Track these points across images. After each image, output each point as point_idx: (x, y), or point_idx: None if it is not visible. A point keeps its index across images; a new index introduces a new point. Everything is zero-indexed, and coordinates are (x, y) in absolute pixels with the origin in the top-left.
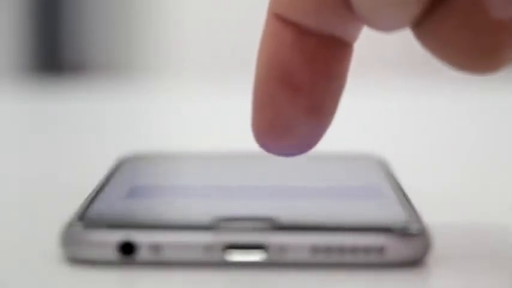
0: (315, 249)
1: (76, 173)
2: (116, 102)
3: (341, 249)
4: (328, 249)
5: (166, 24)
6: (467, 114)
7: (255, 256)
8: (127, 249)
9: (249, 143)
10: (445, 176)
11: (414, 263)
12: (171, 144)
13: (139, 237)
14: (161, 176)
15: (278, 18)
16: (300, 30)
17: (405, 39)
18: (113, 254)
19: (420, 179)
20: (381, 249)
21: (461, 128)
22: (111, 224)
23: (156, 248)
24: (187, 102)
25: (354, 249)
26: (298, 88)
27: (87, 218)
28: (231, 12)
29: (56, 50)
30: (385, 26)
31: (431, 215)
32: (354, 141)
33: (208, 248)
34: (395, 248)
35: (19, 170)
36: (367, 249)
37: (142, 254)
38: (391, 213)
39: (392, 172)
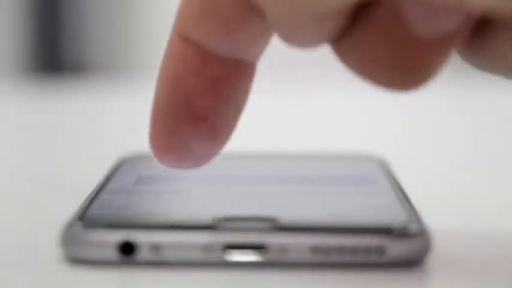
0: (315, 249)
1: (76, 173)
2: (116, 102)
3: (341, 250)
4: (328, 250)
5: (166, 24)
6: (467, 114)
7: (255, 256)
8: (127, 249)
9: (248, 143)
10: (445, 176)
11: (414, 263)
12: None
13: (139, 237)
14: (161, 176)
15: (182, 38)
16: (203, 53)
17: None
18: (113, 254)
19: (420, 179)
20: (381, 250)
21: (461, 128)
22: (111, 224)
23: (156, 248)
24: None
25: (354, 250)
26: (198, 113)
27: (87, 218)
28: None
29: (56, 50)
30: (302, 43)
31: (431, 215)
32: (354, 141)
33: (208, 248)
34: (395, 248)
35: (19, 170)
36: (367, 250)
37: (143, 254)
38: (391, 213)
39: (392, 172)
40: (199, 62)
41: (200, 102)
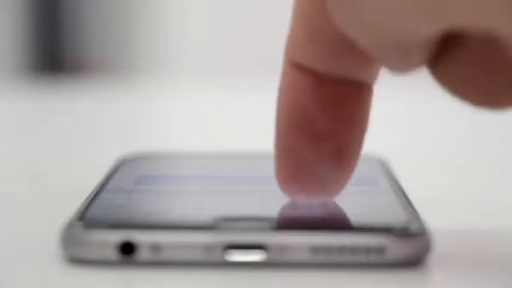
0: (315, 249)
1: (76, 173)
2: (116, 102)
3: (341, 249)
4: (328, 249)
5: (166, 24)
6: (467, 114)
7: (255, 256)
8: (127, 249)
9: (248, 142)
10: (445, 176)
11: (414, 263)
12: (171, 144)
13: (139, 237)
14: (161, 176)
15: (295, 66)
16: (318, 77)
17: None
18: (112, 254)
19: (420, 179)
20: (381, 249)
21: (461, 128)
22: (111, 224)
23: (156, 248)
24: (187, 102)
25: (354, 249)
26: (320, 136)
27: (87, 218)
28: (231, 12)
29: (56, 50)
30: (398, 69)
31: (431, 215)
32: None
33: (208, 248)
34: (395, 248)
35: (19, 170)
36: (367, 249)
37: (142, 254)
38: (391, 213)
39: (392, 172)
40: (314, 84)
41: (319, 125)
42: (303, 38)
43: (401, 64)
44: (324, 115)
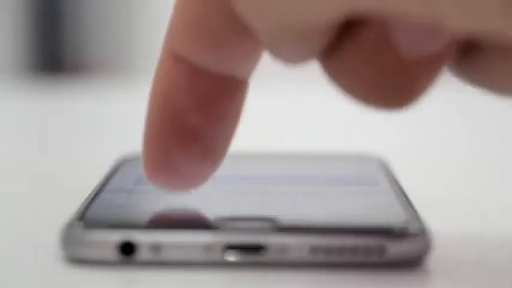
0: (315, 249)
1: (76, 173)
2: (116, 102)
3: (341, 250)
4: (328, 250)
5: (166, 24)
6: (467, 114)
7: (255, 256)
8: (127, 249)
9: (248, 142)
10: (445, 176)
11: (414, 263)
12: None
13: (139, 237)
14: None
15: (172, 55)
16: (193, 70)
17: None
18: (112, 254)
19: (420, 179)
20: (381, 249)
21: (461, 128)
22: (111, 224)
23: (156, 248)
24: None
25: (354, 250)
26: (190, 132)
27: (87, 218)
28: None
29: (56, 50)
30: (289, 59)
31: (431, 215)
32: (354, 141)
33: (208, 248)
34: (395, 248)
35: (19, 170)
36: (367, 250)
37: (142, 254)
38: (391, 213)
39: (392, 172)
40: (189, 78)
41: (191, 121)
42: (183, 27)
43: (294, 54)
44: (196, 110)
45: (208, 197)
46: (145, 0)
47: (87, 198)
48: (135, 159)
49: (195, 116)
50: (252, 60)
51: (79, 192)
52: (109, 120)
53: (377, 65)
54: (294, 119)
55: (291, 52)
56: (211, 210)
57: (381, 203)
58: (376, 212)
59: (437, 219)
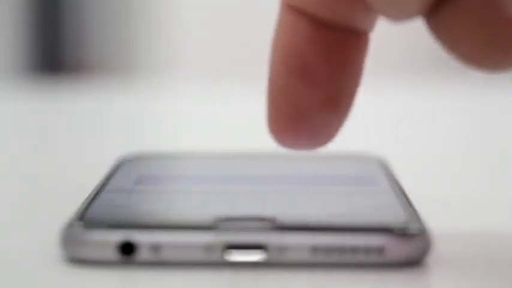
0: (315, 249)
1: (76, 173)
2: (116, 102)
3: (341, 249)
4: (328, 249)
5: (166, 24)
6: (468, 114)
7: (255, 256)
8: (127, 249)
9: (248, 143)
10: (445, 176)
11: (414, 263)
12: (170, 144)
13: (139, 237)
14: (161, 176)
15: (292, 10)
16: (315, 22)
17: (406, 38)
18: (112, 254)
19: (420, 179)
20: (381, 249)
21: (461, 128)
22: (111, 224)
23: (156, 248)
24: (187, 101)
25: (354, 249)
26: (315, 80)
27: (87, 218)
28: (231, 12)
29: (56, 50)
30: (396, 15)
31: (431, 215)
32: (354, 141)
33: (208, 248)
34: (395, 248)
35: (19, 170)
36: (367, 249)
37: (142, 254)
38: (391, 213)
39: (392, 172)
40: (311, 28)
41: (315, 69)
42: None
43: (398, 11)
44: (319, 60)
45: (208, 197)
46: (145, 0)
47: (87, 198)
48: (135, 159)
49: (319, 65)
50: (369, 12)
51: (79, 192)
52: (109, 120)
53: (482, 25)
54: None
55: (395, 10)
56: (211, 210)
57: (381, 203)
58: (376, 212)
59: (437, 219)
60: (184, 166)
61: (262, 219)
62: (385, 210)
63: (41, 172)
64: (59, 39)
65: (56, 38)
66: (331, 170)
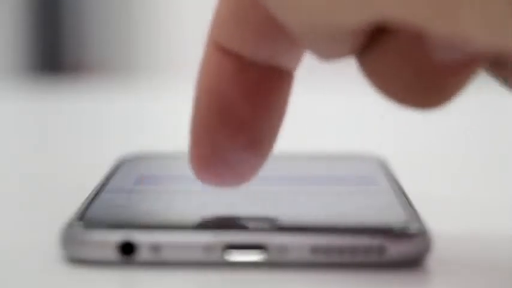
0: (315, 249)
1: (76, 173)
2: (116, 102)
3: (341, 250)
4: (328, 249)
5: (166, 24)
6: (467, 114)
7: (255, 256)
8: (127, 249)
9: None
10: (445, 176)
11: (414, 263)
12: (171, 144)
13: (139, 237)
14: (161, 176)
15: (218, 47)
16: (240, 61)
17: None
18: (112, 254)
19: (420, 179)
20: (381, 249)
21: (461, 128)
22: (111, 224)
23: (156, 248)
24: (187, 101)
25: (354, 249)
26: (238, 124)
27: (87, 218)
28: None
29: (56, 50)
30: (325, 57)
31: (431, 215)
32: (354, 141)
33: (208, 248)
34: (395, 248)
35: (19, 170)
36: (367, 249)
37: (142, 254)
38: (391, 213)
39: (392, 172)
40: (235, 69)
41: (239, 112)
42: (229, 19)
43: (329, 52)
44: (244, 100)
45: (208, 197)
46: (145, 0)
47: (87, 198)
48: (135, 159)
49: (242, 107)
50: (295, 51)
51: (79, 192)
52: (109, 120)
53: (410, 66)
54: (294, 118)
55: (325, 50)
56: (211, 210)
57: (381, 203)
58: (376, 212)
59: (437, 219)
60: (185, 166)
61: (262, 219)
62: (385, 210)
63: (41, 172)
64: (59, 39)
65: (56, 38)
66: (331, 170)
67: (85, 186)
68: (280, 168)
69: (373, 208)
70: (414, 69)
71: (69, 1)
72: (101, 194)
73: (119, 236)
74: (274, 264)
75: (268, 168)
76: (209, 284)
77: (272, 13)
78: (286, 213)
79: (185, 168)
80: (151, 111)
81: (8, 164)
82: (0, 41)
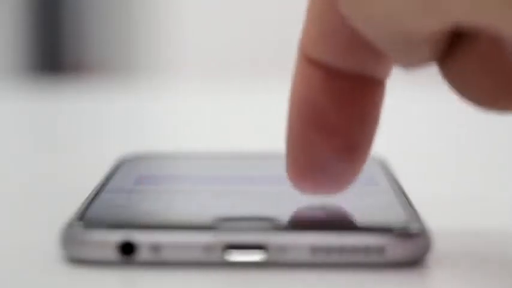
0: (315, 249)
1: (76, 173)
2: (116, 102)
3: (341, 249)
4: (328, 249)
5: (166, 24)
6: (467, 114)
7: (255, 256)
8: (127, 249)
9: (248, 142)
10: (446, 176)
11: (414, 263)
12: (171, 144)
13: (139, 237)
14: (161, 176)
15: (308, 60)
16: (330, 72)
17: None
18: (112, 254)
19: (420, 179)
20: (381, 249)
21: (461, 127)
22: (111, 224)
23: (156, 248)
24: (187, 101)
25: (354, 249)
26: (332, 130)
27: (87, 218)
28: (231, 12)
29: (56, 50)
30: (407, 65)
31: (432, 215)
32: None
33: (208, 248)
34: (395, 248)
35: (19, 170)
36: (367, 249)
37: (142, 254)
38: (391, 213)
39: (392, 172)
40: (327, 79)
41: (332, 120)
42: (316, 33)
43: (409, 59)
44: (336, 110)
45: (208, 197)
46: (145, 0)
47: (87, 198)
48: (135, 159)
49: (335, 115)
50: (384, 61)
51: (79, 192)
52: (109, 120)
53: (492, 68)
54: None
55: (406, 58)
56: (211, 210)
57: (381, 203)
58: (376, 212)
59: (437, 219)
60: (184, 166)
61: (262, 219)
62: (385, 210)
63: (41, 172)
64: (59, 39)
65: (56, 38)
66: None
67: (85, 186)
68: (280, 168)
69: (373, 208)
70: (494, 72)
71: (69, 1)
72: (100, 194)
73: (118, 236)
74: (274, 264)
75: (269, 168)
76: (209, 284)
77: (354, 26)
78: (286, 213)
79: (185, 168)
80: (151, 111)
81: (8, 164)
82: (0, 41)
